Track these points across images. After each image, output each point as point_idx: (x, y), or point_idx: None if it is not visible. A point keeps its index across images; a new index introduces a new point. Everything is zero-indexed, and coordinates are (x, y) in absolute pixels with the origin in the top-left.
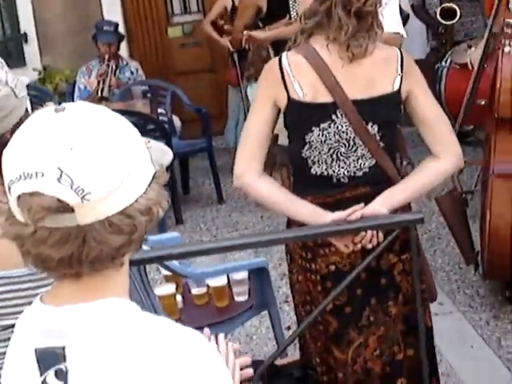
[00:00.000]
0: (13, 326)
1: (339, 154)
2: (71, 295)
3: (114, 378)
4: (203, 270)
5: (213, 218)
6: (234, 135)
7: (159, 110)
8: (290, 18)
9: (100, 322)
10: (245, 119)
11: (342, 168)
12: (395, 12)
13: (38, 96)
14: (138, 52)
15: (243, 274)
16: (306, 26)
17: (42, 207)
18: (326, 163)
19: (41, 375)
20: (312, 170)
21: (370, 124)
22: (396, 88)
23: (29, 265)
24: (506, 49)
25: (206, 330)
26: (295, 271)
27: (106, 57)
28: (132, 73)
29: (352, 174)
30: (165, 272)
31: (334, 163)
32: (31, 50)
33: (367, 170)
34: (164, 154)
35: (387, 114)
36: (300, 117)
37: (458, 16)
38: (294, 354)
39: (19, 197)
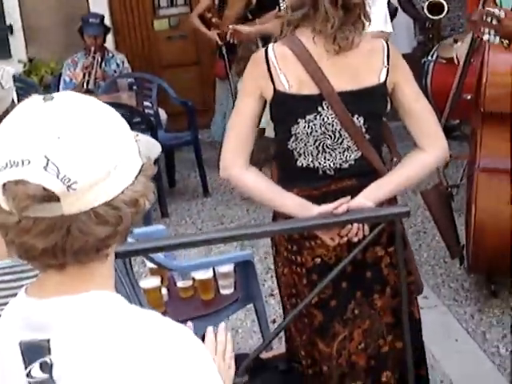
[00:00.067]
0: None
1: (325, 146)
2: (56, 287)
3: (99, 372)
4: (189, 262)
5: (198, 212)
6: (221, 128)
7: (145, 103)
8: (280, 10)
9: (85, 314)
10: None
11: (328, 160)
12: (383, 9)
13: (24, 88)
14: (124, 45)
15: (229, 267)
16: (293, 17)
17: (27, 195)
18: (312, 155)
19: (25, 368)
20: (298, 162)
21: (356, 116)
22: (382, 80)
23: (13, 255)
24: (485, 37)
25: (189, 324)
26: (281, 264)
27: (92, 49)
28: (118, 65)
29: (338, 166)
30: (150, 265)
31: (320, 155)
32: (17, 41)
33: (353, 162)
34: (152, 147)
35: (373, 106)
36: (286, 108)
37: (445, 11)
38: (279, 347)
39: (4, 185)
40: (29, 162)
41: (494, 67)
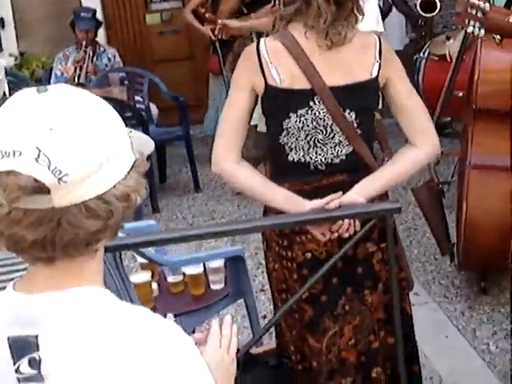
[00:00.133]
0: None
1: (316, 141)
2: (44, 282)
3: (87, 368)
4: (179, 257)
5: (189, 207)
6: (214, 123)
7: (136, 98)
8: (275, 5)
9: (74, 310)
10: None
11: (319, 155)
12: (375, 9)
13: (15, 82)
14: (116, 39)
15: (219, 262)
16: (285, 12)
17: (17, 186)
18: (303, 150)
19: (14, 364)
20: (289, 156)
21: (348, 111)
22: (374, 75)
23: (2, 248)
24: (469, 29)
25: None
26: (272, 259)
27: (84, 43)
28: (109, 59)
29: (329, 161)
30: (140, 260)
31: (311, 150)
32: (8, 35)
33: (344, 157)
34: (145, 143)
35: (365, 101)
36: (277, 103)
37: (437, 9)
38: (269, 342)
39: None
40: (20, 153)
41: (486, 64)
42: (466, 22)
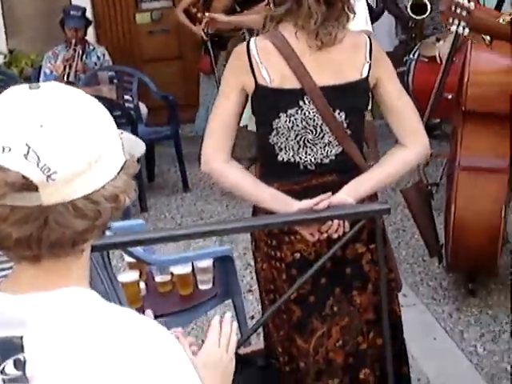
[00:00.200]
0: None
1: (306, 141)
2: (30, 282)
3: (72, 370)
4: (168, 257)
5: (177, 206)
6: (205, 123)
7: (125, 97)
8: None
9: (59, 312)
10: None
11: (309, 155)
12: (364, 9)
13: (4, 80)
14: (106, 38)
15: (208, 262)
16: (276, 13)
17: (5, 182)
18: (293, 150)
19: (0, 364)
20: (279, 156)
21: (338, 111)
22: (364, 75)
23: None
24: (453, 28)
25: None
26: (260, 259)
27: (73, 42)
28: (99, 58)
29: (319, 161)
30: (128, 259)
31: (301, 150)
32: None
33: (334, 157)
34: (136, 145)
35: (355, 102)
36: (267, 102)
37: (428, 11)
38: (257, 342)
39: None
40: (10, 149)
41: (476, 66)
42: (450, 20)
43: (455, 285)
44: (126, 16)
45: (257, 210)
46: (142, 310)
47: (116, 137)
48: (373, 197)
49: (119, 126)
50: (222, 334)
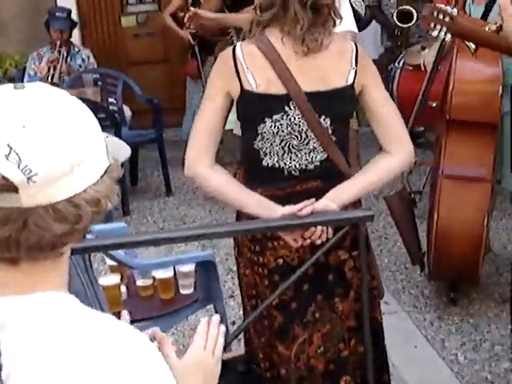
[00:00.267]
0: None
1: (291, 147)
2: (7, 285)
3: (47, 374)
4: (150, 261)
5: (160, 210)
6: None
7: (110, 99)
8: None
9: (36, 316)
10: None
11: (294, 161)
12: (349, 10)
13: None
14: (91, 40)
15: (190, 267)
16: (262, 18)
17: None
18: (278, 155)
19: None
20: (263, 161)
21: (323, 117)
22: (350, 82)
23: None
24: (434, 33)
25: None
26: (243, 265)
27: (58, 43)
28: (83, 60)
29: (303, 167)
30: (110, 262)
31: (286, 155)
32: None
33: (318, 163)
34: (120, 149)
35: (340, 108)
36: (253, 107)
37: (414, 19)
38: (238, 348)
39: None
40: None
41: (461, 75)
42: (432, 25)
43: (437, 293)
44: (112, 18)
45: (240, 216)
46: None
47: (100, 140)
48: (356, 203)
49: (103, 128)
50: (208, 336)
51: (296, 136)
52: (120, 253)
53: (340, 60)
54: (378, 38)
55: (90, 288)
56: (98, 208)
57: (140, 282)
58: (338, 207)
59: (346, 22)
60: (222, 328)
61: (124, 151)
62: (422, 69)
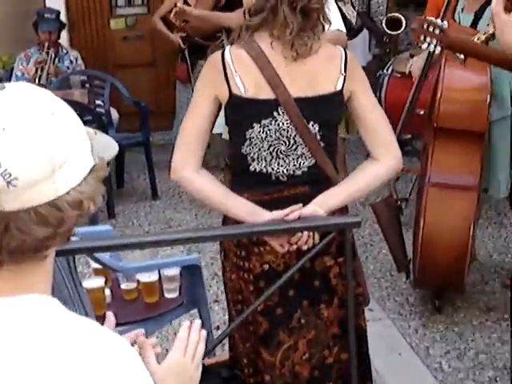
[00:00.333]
0: None
1: (279, 152)
2: None
3: (25, 378)
4: (134, 264)
5: (146, 214)
6: None
7: (97, 102)
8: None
9: (18, 320)
10: None
11: (282, 166)
12: (336, 11)
13: None
14: (79, 42)
15: (175, 271)
16: (251, 22)
17: None
18: (266, 160)
19: None
20: (251, 166)
21: (311, 123)
22: (339, 88)
23: None
24: (424, 45)
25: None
26: (229, 269)
27: (46, 45)
28: (71, 62)
29: (291, 172)
30: (94, 265)
31: (274, 161)
32: None
33: (306, 169)
34: (108, 147)
35: (329, 114)
36: (241, 112)
37: (403, 26)
38: (221, 354)
39: None
40: None
41: (449, 83)
42: (422, 38)
43: (422, 301)
44: (101, 21)
45: (226, 220)
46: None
47: (84, 139)
48: (343, 210)
49: None
50: (189, 341)
51: (284, 141)
52: (105, 256)
53: (329, 65)
54: (366, 45)
55: (73, 290)
56: (80, 211)
57: (124, 286)
58: (324, 213)
59: (335, 22)
60: (203, 333)
61: (112, 148)
62: (407, 73)
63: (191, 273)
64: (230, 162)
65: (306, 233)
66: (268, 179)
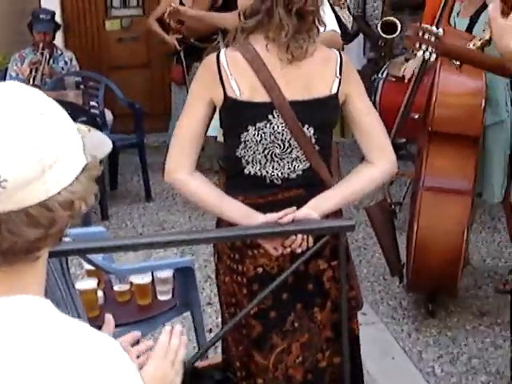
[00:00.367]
0: None
1: (274, 155)
2: None
3: (13, 379)
4: (128, 266)
5: (139, 216)
6: None
7: (91, 103)
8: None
9: (10, 320)
10: None
11: (276, 169)
12: (330, 12)
13: None
14: (74, 43)
15: (168, 273)
16: (247, 24)
17: None
18: (260, 163)
19: None
20: (246, 169)
21: (306, 126)
22: (334, 91)
23: None
24: (420, 53)
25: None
26: (222, 272)
27: (41, 45)
28: (66, 63)
29: (286, 175)
30: (87, 267)
31: (268, 164)
32: None
33: (301, 172)
34: (102, 145)
35: (324, 117)
36: (236, 115)
37: (398, 30)
38: (214, 356)
39: None
40: None
41: (444, 87)
42: (417, 45)
43: (415, 305)
44: (96, 22)
45: (220, 223)
46: (99, 319)
47: (75, 139)
48: (337, 213)
49: None
50: (169, 347)
51: (279, 144)
52: (98, 257)
53: (324, 68)
54: (361, 49)
55: (66, 292)
56: (71, 211)
57: (117, 287)
58: (318, 216)
59: (329, 23)
60: (184, 338)
61: (106, 146)
62: (400, 76)
63: (184, 275)
64: (224, 165)
65: (299, 236)
66: (262, 182)
